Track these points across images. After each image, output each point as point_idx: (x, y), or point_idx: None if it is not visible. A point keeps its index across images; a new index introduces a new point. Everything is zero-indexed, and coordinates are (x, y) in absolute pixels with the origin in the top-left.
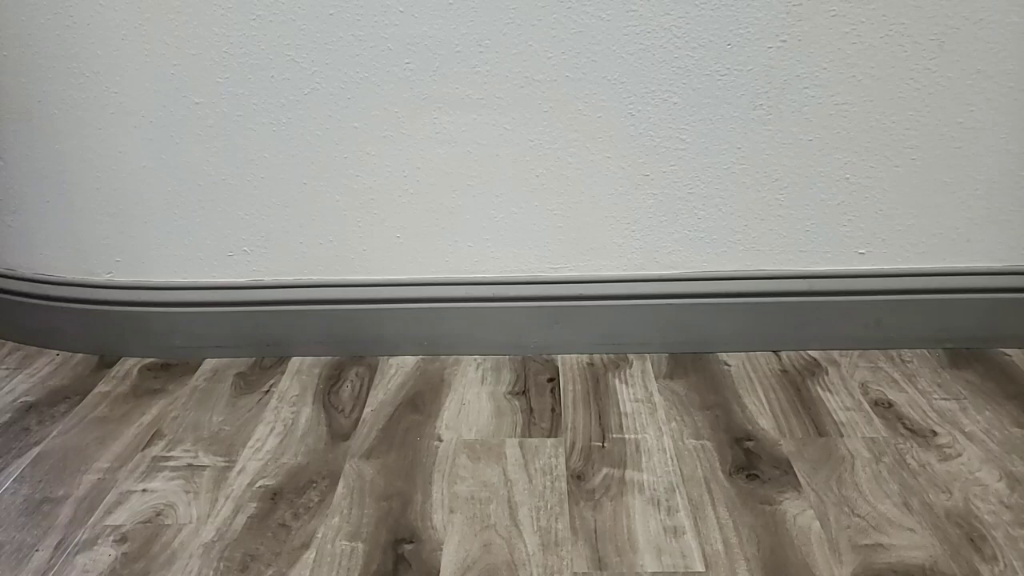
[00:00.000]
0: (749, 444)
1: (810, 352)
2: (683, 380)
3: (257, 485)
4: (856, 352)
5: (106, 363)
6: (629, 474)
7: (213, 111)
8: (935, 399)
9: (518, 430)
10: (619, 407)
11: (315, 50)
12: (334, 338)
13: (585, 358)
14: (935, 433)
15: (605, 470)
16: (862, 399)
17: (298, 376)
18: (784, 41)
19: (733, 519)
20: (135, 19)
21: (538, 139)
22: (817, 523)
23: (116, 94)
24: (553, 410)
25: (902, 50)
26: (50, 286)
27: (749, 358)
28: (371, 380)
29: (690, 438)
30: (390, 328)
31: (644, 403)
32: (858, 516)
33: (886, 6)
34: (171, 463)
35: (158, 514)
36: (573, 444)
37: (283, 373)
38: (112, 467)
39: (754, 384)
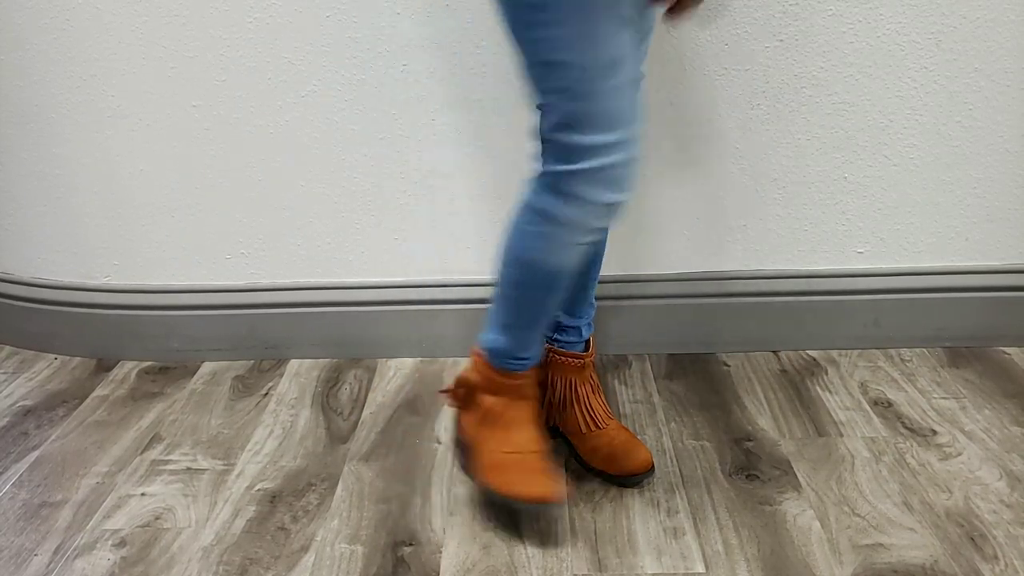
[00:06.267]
0: (749, 444)
1: (809, 352)
2: (682, 381)
3: (256, 488)
4: (855, 351)
5: (104, 367)
6: None
7: (210, 114)
8: (934, 398)
9: None
10: (618, 408)
11: (312, 52)
12: (332, 340)
13: None
14: (935, 432)
15: None
16: (861, 399)
17: (296, 379)
18: (781, 41)
19: (733, 520)
20: (132, 22)
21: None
22: (817, 523)
23: (113, 97)
24: None
25: (899, 49)
26: (48, 290)
27: (748, 358)
28: (370, 382)
29: (690, 439)
30: (388, 330)
31: (643, 404)
32: (858, 516)
33: (883, 5)
34: (170, 466)
35: (157, 518)
36: None
37: (281, 376)
38: (111, 471)
39: (753, 384)
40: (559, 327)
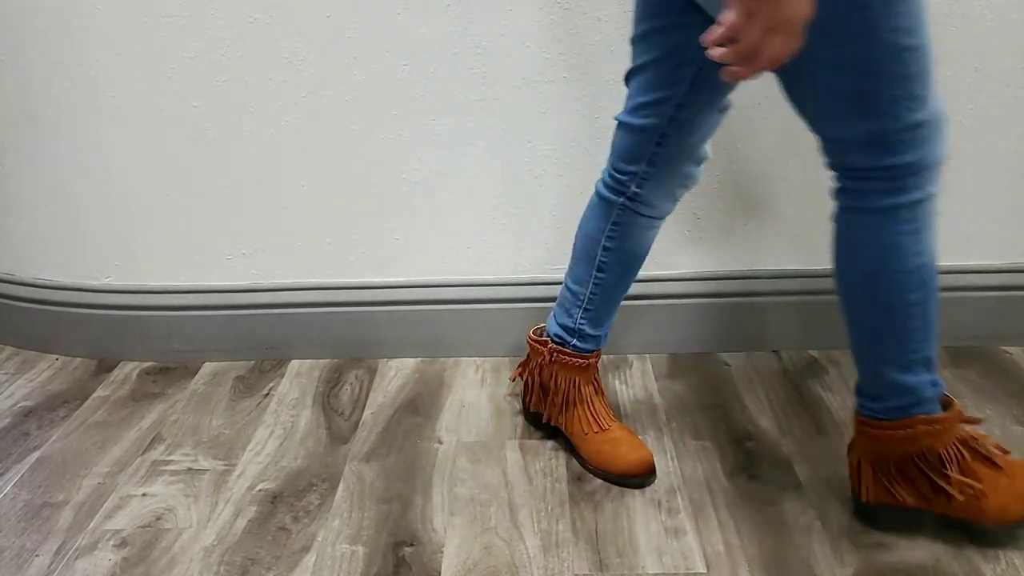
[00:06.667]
0: (750, 444)
1: (810, 352)
2: (683, 380)
3: (257, 488)
4: None
5: (105, 367)
6: None
7: (210, 114)
8: None
9: (518, 432)
10: (619, 408)
11: (312, 53)
12: (333, 341)
13: None
14: None
15: None
16: None
17: (297, 379)
18: None
19: (734, 520)
20: (132, 24)
21: (536, 140)
22: (818, 523)
23: (113, 98)
24: None
25: None
26: (48, 290)
27: (749, 358)
28: (370, 382)
29: (691, 439)
30: (389, 330)
31: (644, 404)
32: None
33: None
34: (171, 467)
35: (158, 518)
36: None
37: (282, 376)
38: (112, 471)
39: (754, 384)
40: (582, 335)
